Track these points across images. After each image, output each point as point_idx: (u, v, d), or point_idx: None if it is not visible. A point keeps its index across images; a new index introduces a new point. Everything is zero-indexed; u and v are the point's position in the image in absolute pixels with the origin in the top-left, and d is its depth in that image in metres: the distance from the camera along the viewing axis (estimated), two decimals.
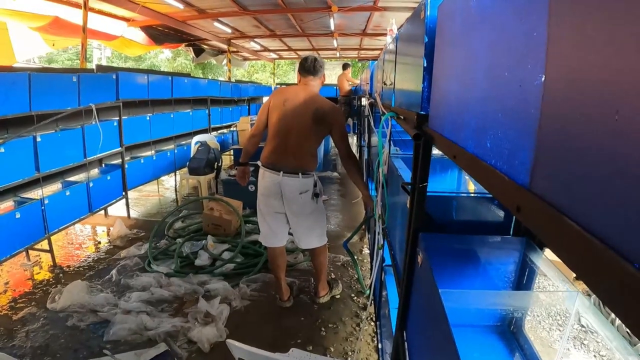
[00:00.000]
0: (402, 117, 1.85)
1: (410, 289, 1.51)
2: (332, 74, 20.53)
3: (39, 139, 4.43)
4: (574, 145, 0.48)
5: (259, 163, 3.54)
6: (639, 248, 0.35)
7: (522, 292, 1.61)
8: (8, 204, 4.75)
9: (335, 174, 9.26)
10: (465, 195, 1.84)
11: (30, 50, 10.18)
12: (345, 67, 11.71)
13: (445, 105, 1.16)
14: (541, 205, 0.52)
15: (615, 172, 0.40)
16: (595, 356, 3.21)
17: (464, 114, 0.95)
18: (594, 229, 0.42)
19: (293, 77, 26.53)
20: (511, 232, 1.74)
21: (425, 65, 1.37)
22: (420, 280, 1.37)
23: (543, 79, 0.56)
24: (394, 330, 1.77)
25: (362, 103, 6.91)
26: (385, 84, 2.86)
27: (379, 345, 2.85)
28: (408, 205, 1.53)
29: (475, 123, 0.85)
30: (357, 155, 7.35)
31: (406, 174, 1.81)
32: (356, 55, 21.84)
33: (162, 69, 25.58)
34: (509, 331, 1.72)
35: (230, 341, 1.63)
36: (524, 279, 1.64)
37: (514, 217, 1.73)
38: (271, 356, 1.54)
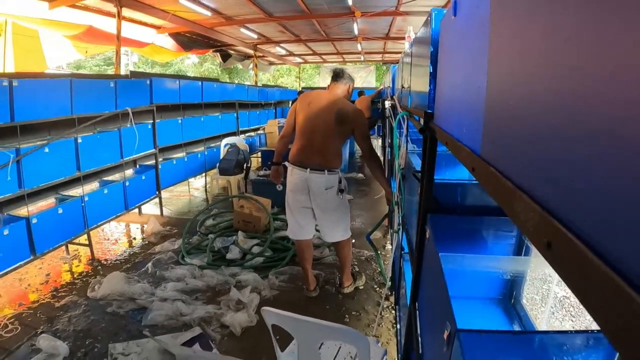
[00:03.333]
0: (414, 116, 2.09)
1: (421, 262, 1.73)
2: (356, 76, 20.61)
3: (80, 141, 4.74)
4: (504, 126, 0.73)
5: (286, 163, 3.80)
6: (537, 181, 0.59)
7: (511, 257, 1.83)
8: (50, 201, 5.05)
9: (360, 175, 9.41)
10: (469, 182, 2.04)
11: (61, 56, 10.52)
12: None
13: (444, 104, 1.40)
14: (485, 165, 0.77)
15: (525, 137, 0.64)
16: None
17: (453, 110, 1.20)
18: (514, 180, 0.66)
19: (318, 80, 26.62)
20: None
21: (431, 70, 1.61)
22: (427, 251, 1.60)
23: (486, 81, 0.81)
24: (408, 302, 2.00)
25: (385, 105, 7.10)
26: (403, 86, 3.09)
27: (398, 327, 3.06)
28: (419, 191, 1.76)
29: (458, 116, 1.10)
30: (382, 156, 7.52)
31: (419, 165, 2.03)
32: (380, 59, 21.87)
33: (189, 74, 25.95)
34: (510, 303, 1.93)
35: (265, 308, 1.85)
36: (521, 254, 1.86)
37: None
38: (302, 318, 1.76)
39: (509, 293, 1.94)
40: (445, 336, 1.04)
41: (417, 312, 1.80)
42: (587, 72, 0.44)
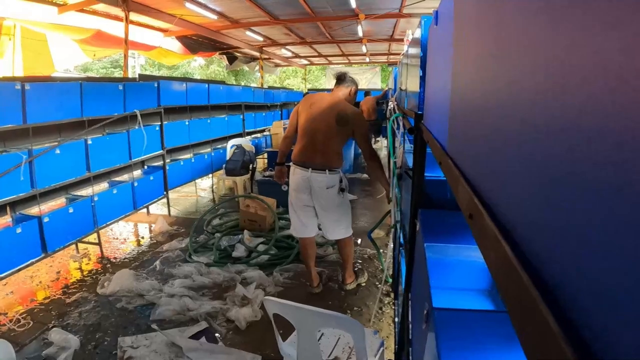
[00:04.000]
0: (407, 117, 2.19)
1: (413, 254, 1.84)
2: (362, 78, 20.66)
3: (89, 142, 4.86)
4: (459, 126, 0.85)
5: (290, 164, 3.91)
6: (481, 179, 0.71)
7: None
8: (61, 201, 5.18)
9: (365, 175, 9.46)
10: None
11: (69, 60, 10.61)
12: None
13: (429, 105, 1.51)
14: (448, 160, 0.88)
15: (478, 134, 0.76)
16: None
17: (433, 111, 1.31)
18: (467, 175, 0.77)
19: (324, 82, 26.64)
20: None
21: (421, 74, 1.72)
22: (417, 243, 1.70)
23: (450, 86, 0.93)
24: (403, 292, 2.10)
25: (389, 107, 7.18)
26: (401, 88, 3.20)
27: (397, 320, 3.15)
28: (410, 186, 1.87)
29: (437, 117, 1.21)
30: (386, 158, 7.58)
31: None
32: (385, 60, 21.90)
33: (195, 77, 26.08)
34: (498, 295, 2.02)
35: (267, 297, 1.95)
36: None
37: None
38: (302, 307, 1.86)
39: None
40: (424, 315, 1.14)
41: (410, 301, 1.90)
42: (512, 79, 0.55)
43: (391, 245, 4.82)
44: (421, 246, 1.44)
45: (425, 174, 1.81)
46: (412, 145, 3.40)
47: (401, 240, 2.89)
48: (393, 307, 3.86)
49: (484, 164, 0.59)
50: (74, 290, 4.22)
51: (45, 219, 4.26)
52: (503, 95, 0.54)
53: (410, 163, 2.37)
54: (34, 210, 4.47)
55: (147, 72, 24.62)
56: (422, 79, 1.70)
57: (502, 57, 0.57)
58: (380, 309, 3.82)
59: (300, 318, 1.90)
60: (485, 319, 1.15)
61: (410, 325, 1.74)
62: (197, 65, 29.16)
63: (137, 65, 26.48)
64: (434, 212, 1.85)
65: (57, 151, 4.42)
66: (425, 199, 1.86)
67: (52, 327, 3.47)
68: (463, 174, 0.71)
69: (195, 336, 3.37)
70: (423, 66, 1.69)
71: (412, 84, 2.16)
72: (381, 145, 13.03)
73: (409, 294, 1.95)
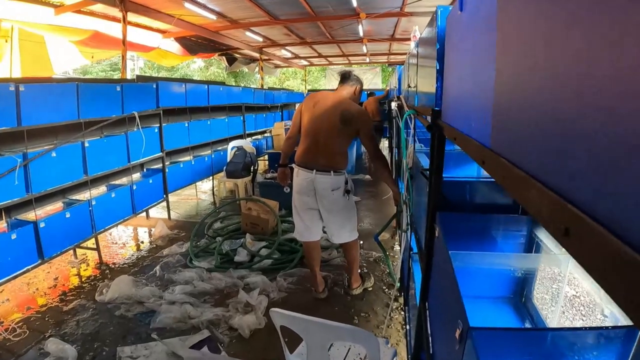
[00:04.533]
0: (421, 115, 2.07)
1: (430, 261, 1.72)
2: (362, 79, 20.55)
3: (87, 145, 4.75)
4: (512, 115, 0.72)
5: (293, 165, 3.79)
6: (545, 165, 0.58)
7: (521, 254, 1.81)
8: (58, 205, 5.05)
9: (368, 176, 9.40)
10: (478, 180, 2.02)
11: (68, 62, 10.56)
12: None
13: (451, 100, 1.39)
14: (495, 157, 0.75)
15: (536, 126, 0.63)
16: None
17: (460, 105, 1.19)
18: (527, 169, 0.65)
19: (324, 83, 26.60)
20: (519, 212, 1.94)
21: (438, 67, 1.59)
22: (437, 250, 1.58)
23: (494, 73, 0.80)
24: (417, 302, 1.98)
25: (392, 106, 7.07)
26: (409, 86, 3.07)
27: (407, 327, 3.04)
28: (427, 188, 1.75)
29: (466, 111, 1.08)
30: (389, 157, 7.50)
31: (427, 164, 2.02)
32: (386, 60, 21.86)
33: (195, 78, 26.02)
34: (520, 301, 1.91)
35: (274, 309, 1.84)
36: (531, 252, 1.84)
37: None
38: (311, 319, 1.75)
39: (519, 291, 1.92)
40: (457, 334, 1.02)
41: (427, 311, 1.78)
42: (597, 58, 0.43)
43: (397, 247, 4.74)
44: (444, 254, 1.32)
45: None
46: (421, 145, 3.32)
47: (412, 244, 2.77)
48: (401, 313, 3.74)
49: (580, 161, 0.46)
50: (71, 297, 4.12)
51: (42, 225, 4.15)
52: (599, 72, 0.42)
53: (423, 163, 2.25)
54: (29, 215, 4.37)
55: (147, 74, 24.57)
56: (440, 72, 1.58)
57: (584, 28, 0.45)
58: (389, 313, 3.70)
59: (310, 331, 1.78)
60: (524, 337, 1.03)
61: (430, 338, 1.62)
62: (197, 67, 29.15)
63: (136, 68, 26.48)
64: (453, 215, 1.74)
65: (53, 154, 4.31)
66: (443, 201, 1.74)
67: (49, 337, 3.38)
68: (533, 175, 0.59)
69: (197, 345, 3.25)
70: (440, 59, 1.57)
71: (425, 79, 2.04)
72: (382, 146, 12.93)
73: (426, 303, 1.83)
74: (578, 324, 1.71)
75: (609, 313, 1.41)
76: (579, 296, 3.39)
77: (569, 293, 3.23)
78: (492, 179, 2.16)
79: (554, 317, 1.69)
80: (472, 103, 1.01)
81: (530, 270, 1.81)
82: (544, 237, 1.72)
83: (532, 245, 1.83)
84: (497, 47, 0.79)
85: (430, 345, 1.63)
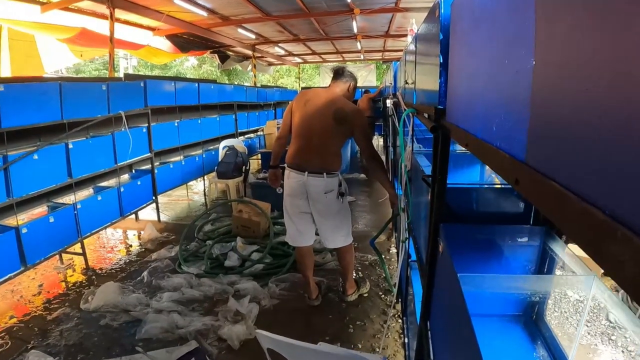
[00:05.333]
0: (422, 113, 1.90)
1: (433, 279, 1.55)
2: (357, 76, 20.45)
3: (70, 146, 4.57)
4: (560, 119, 0.54)
5: (285, 166, 3.63)
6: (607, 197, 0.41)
7: (536, 276, 1.64)
8: (42, 209, 4.88)
9: (362, 175, 9.27)
10: (485, 186, 1.87)
11: (58, 61, 10.45)
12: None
13: (459, 97, 1.21)
14: (539, 177, 0.57)
15: (590, 143, 0.46)
16: (623, 351, 3.19)
17: (473, 103, 1.01)
18: (576, 190, 0.48)
19: (318, 80, 26.54)
20: (531, 222, 1.77)
21: (441, 61, 1.42)
22: (442, 268, 1.42)
23: (533, 63, 0.61)
24: (418, 320, 1.82)
25: (387, 104, 6.89)
26: (407, 82, 2.91)
27: (406, 340, 2.88)
28: (429, 197, 1.58)
29: (483, 111, 0.90)
30: (384, 156, 7.36)
31: (428, 169, 1.85)
32: (380, 57, 21.76)
33: (188, 77, 25.88)
34: (531, 320, 1.74)
35: (259, 331, 1.67)
36: (544, 267, 1.67)
37: (534, 206, 1.77)
38: (299, 344, 1.58)
39: (529, 310, 1.75)
40: None
41: (429, 332, 1.61)
42: None
43: (394, 250, 4.58)
44: (451, 276, 1.15)
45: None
46: (420, 145, 3.15)
47: (411, 250, 2.61)
48: (399, 321, 3.59)
49: None
50: (56, 305, 3.97)
51: (24, 230, 3.98)
52: None
53: (423, 166, 2.08)
54: (11, 220, 4.17)
55: (141, 73, 24.42)
56: (444, 67, 1.40)
57: None
58: (385, 322, 3.55)
59: (301, 358, 1.62)
60: None
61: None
62: (190, 66, 29.01)
63: (130, 67, 26.30)
64: (457, 227, 1.57)
65: (35, 157, 4.14)
66: (446, 211, 1.56)
67: (32, 348, 3.25)
68: (616, 218, 0.40)
69: (184, 358, 3.10)
70: (444, 52, 1.39)
71: (425, 75, 1.87)
72: (377, 144, 12.80)
73: (427, 322, 1.66)
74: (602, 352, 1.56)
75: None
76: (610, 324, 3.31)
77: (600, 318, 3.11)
78: (501, 185, 2.00)
79: (574, 343, 1.52)
80: (494, 102, 0.82)
81: (545, 293, 1.65)
82: (559, 251, 1.55)
83: (545, 259, 1.66)
84: (536, 31, 0.60)
85: None
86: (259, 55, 16.98)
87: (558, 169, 0.54)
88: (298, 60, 21.66)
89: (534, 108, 0.61)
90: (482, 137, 0.90)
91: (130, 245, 5.67)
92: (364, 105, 10.63)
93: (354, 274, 4.13)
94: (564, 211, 0.49)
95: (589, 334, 3.33)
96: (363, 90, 12.23)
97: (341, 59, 21.25)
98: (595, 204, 0.43)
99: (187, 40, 12.45)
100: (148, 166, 6.31)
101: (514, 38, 0.71)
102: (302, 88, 20.80)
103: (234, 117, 9.53)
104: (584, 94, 0.46)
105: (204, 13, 9.58)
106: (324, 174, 3.40)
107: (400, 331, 3.44)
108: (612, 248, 0.37)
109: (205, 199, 8.01)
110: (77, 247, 4.83)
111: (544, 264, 1.66)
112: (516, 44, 0.69)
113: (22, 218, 4.23)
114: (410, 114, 2.18)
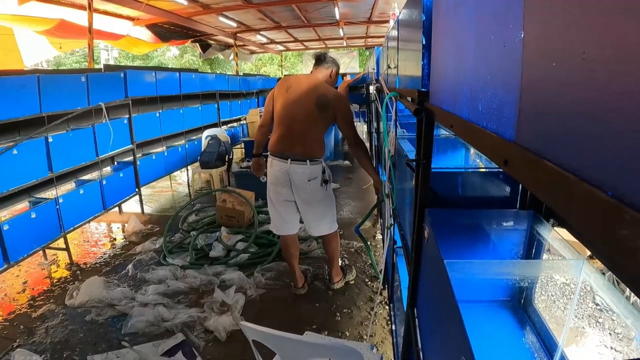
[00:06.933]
0: (405, 97, 1.86)
1: (419, 265, 1.53)
2: (340, 63, 20.40)
3: (50, 140, 4.48)
4: (555, 93, 0.50)
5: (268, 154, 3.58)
6: (608, 176, 0.38)
7: (526, 261, 1.62)
8: (23, 205, 4.81)
9: (347, 162, 9.25)
10: (470, 170, 1.84)
11: (37, 54, 10.26)
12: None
13: (443, 79, 1.18)
14: (527, 155, 0.54)
15: (587, 117, 0.42)
16: (610, 334, 3.21)
17: (459, 84, 0.97)
18: (574, 170, 0.44)
19: (301, 68, 26.46)
20: (517, 206, 1.75)
21: (424, 42, 1.38)
22: (428, 254, 1.39)
23: (522, 35, 0.58)
24: (405, 307, 1.80)
25: (370, 90, 6.87)
26: (389, 67, 2.87)
27: (393, 327, 2.87)
28: (413, 182, 1.54)
29: (469, 90, 0.87)
30: (368, 143, 7.33)
31: (412, 153, 1.81)
32: (363, 44, 21.74)
33: (170, 67, 25.65)
34: (519, 305, 1.73)
35: (243, 323, 1.64)
36: (532, 252, 1.65)
37: (520, 190, 1.75)
38: (285, 336, 1.56)
39: (518, 295, 1.73)
40: None
41: (417, 319, 1.59)
42: None
43: (379, 236, 4.57)
44: (438, 263, 1.12)
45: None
46: (404, 130, 3.12)
47: (396, 236, 2.58)
48: (386, 307, 3.58)
49: None
50: (40, 302, 3.92)
51: (5, 227, 3.89)
52: None
53: (407, 151, 2.05)
54: None
55: (123, 64, 24.13)
56: (427, 48, 1.36)
57: None
58: (372, 309, 3.53)
59: (284, 348, 1.59)
60: None
61: (420, 345, 1.43)
62: (172, 56, 28.74)
63: (110, 58, 25.98)
64: (442, 212, 1.54)
65: (15, 151, 4.04)
66: (431, 196, 1.54)
67: (17, 347, 3.22)
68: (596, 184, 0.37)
69: (171, 351, 3.06)
70: (427, 32, 1.35)
71: (407, 59, 1.83)
72: (361, 130, 12.78)
73: (414, 309, 1.64)
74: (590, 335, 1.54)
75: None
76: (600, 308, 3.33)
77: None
78: (486, 169, 1.98)
79: (564, 328, 1.50)
80: (481, 80, 0.78)
81: (533, 277, 1.63)
82: (547, 234, 1.53)
83: (532, 243, 1.64)
84: (524, 9, 0.56)
85: (421, 356, 1.45)
86: (241, 43, 16.86)
87: (553, 147, 0.50)
88: (280, 47, 21.55)
89: (525, 83, 0.57)
90: (467, 117, 0.86)
91: (114, 239, 5.61)
92: (342, 90, 10.59)
93: (340, 262, 4.11)
94: (560, 193, 0.45)
95: (576, 316, 3.35)
96: (342, 74, 12.20)
97: (324, 45, 21.17)
98: (598, 184, 0.40)
99: (168, 30, 12.29)
100: (130, 158, 6.23)
101: (502, 9, 0.67)
102: (285, 75, 20.71)
103: (216, 106, 9.43)
104: (581, 63, 0.43)
105: (184, 2, 9.49)
106: (307, 161, 3.36)
107: (388, 318, 3.42)
108: (621, 232, 0.34)
109: (189, 189, 7.94)
110: (60, 242, 4.75)
111: (532, 248, 1.64)
112: (504, 15, 0.65)
113: (3, 214, 4.17)
114: (392, 98, 2.15)
